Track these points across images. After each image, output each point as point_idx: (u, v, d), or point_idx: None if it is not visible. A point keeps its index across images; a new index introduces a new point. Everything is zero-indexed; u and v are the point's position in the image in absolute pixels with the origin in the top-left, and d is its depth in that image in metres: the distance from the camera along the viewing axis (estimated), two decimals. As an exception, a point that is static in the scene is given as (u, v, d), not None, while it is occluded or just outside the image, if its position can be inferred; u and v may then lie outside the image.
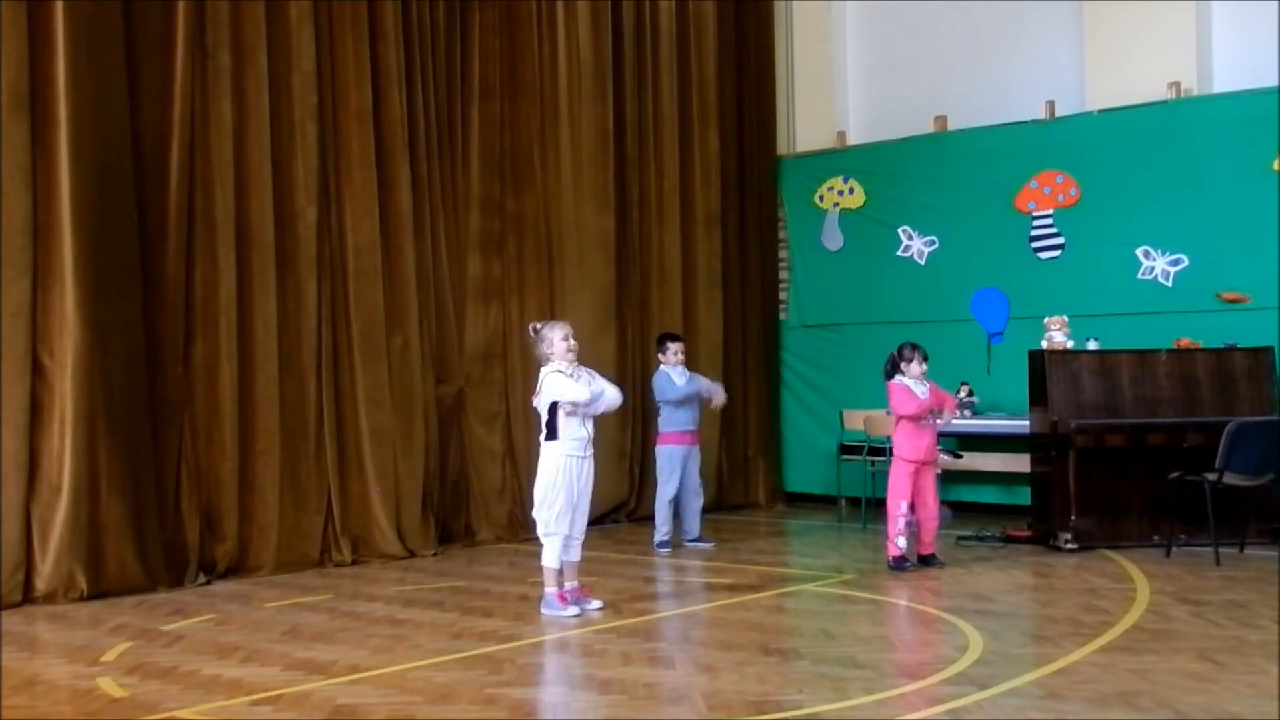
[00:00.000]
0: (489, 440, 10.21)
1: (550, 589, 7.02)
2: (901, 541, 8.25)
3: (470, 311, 10.18)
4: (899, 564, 8.25)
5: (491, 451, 10.21)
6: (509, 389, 10.30)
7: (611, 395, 7.14)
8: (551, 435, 6.97)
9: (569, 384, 6.95)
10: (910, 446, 8.32)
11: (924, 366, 8.35)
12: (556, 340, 7.05)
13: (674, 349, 9.69)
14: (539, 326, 7.17)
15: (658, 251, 11.54)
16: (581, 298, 10.71)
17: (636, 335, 11.25)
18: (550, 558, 7.01)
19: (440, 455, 9.82)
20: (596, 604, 7.11)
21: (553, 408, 6.97)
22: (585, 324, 10.76)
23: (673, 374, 9.63)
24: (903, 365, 8.35)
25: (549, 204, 10.67)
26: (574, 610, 6.93)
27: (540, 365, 7.12)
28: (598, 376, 7.21)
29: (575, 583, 7.14)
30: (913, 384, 8.33)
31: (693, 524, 9.62)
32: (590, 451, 7.09)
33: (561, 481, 6.95)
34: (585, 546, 7.22)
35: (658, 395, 9.65)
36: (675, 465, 9.49)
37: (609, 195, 11.01)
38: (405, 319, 9.54)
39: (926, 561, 8.35)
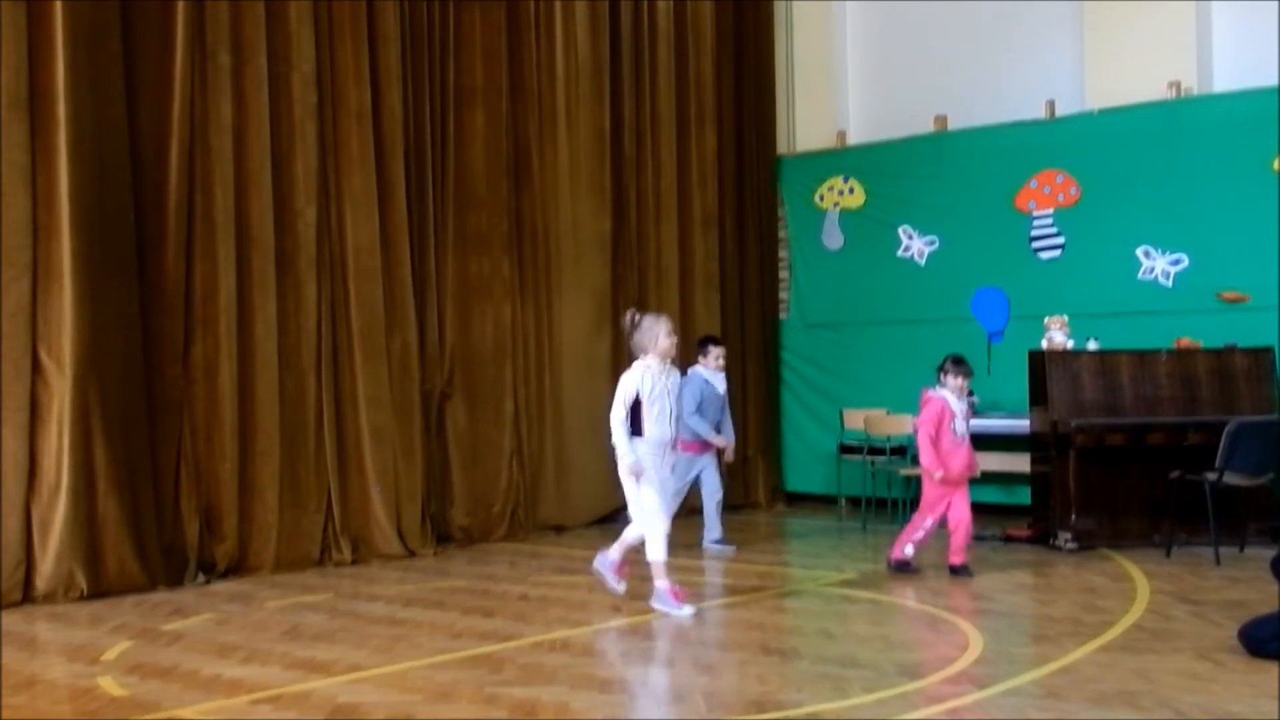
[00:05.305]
0: (498, 439, 10.19)
1: (662, 583, 6.93)
2: (910, 549, 8.10)
3: (470, 311, 10.16)
4: (902, 567, 8.11)
5: (500, 449, 10.18)
6: (496, 389, 10.23)
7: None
8: (635, 432, 6.92)
9: (620, 410, 6.84)
10: (945, 466, 8.04)
11: (961, 382, 8.09)
12: (661, 335, 6.96)
13: (715, 354, 9.40)
14: (639, 316, 7.07)
15: (655, 251, 11.52)
16: (578, 297, 10.70)
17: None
18: (656, 550, 6.92)
19: (439, 455, 9.82)
20: (622, 585, 7.18)
21: (634, 404, 6.89)
22: (582, 324, 10.82)
23: (714, 380, 9.34)
24: (943, 377, 8.15)
25: (547, 204, 10.65)
26: (690, 609, 6.85)
27: (633, 355, 7.05)
28: (675, 390, 7.08)
29: (617, 557, 7.19)
30: (950, 397, 8.08)
31: (713, 527, 9.48)
32: (669, 455, 7.05)
33: (649, 470, 6.90)
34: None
35: (685, 395, 9.23)
36: (687, 471, 9.22)
37: (606, 195, 11.01)
38: (405, 319, 9.53)
39: (956, 571, 8.00)
